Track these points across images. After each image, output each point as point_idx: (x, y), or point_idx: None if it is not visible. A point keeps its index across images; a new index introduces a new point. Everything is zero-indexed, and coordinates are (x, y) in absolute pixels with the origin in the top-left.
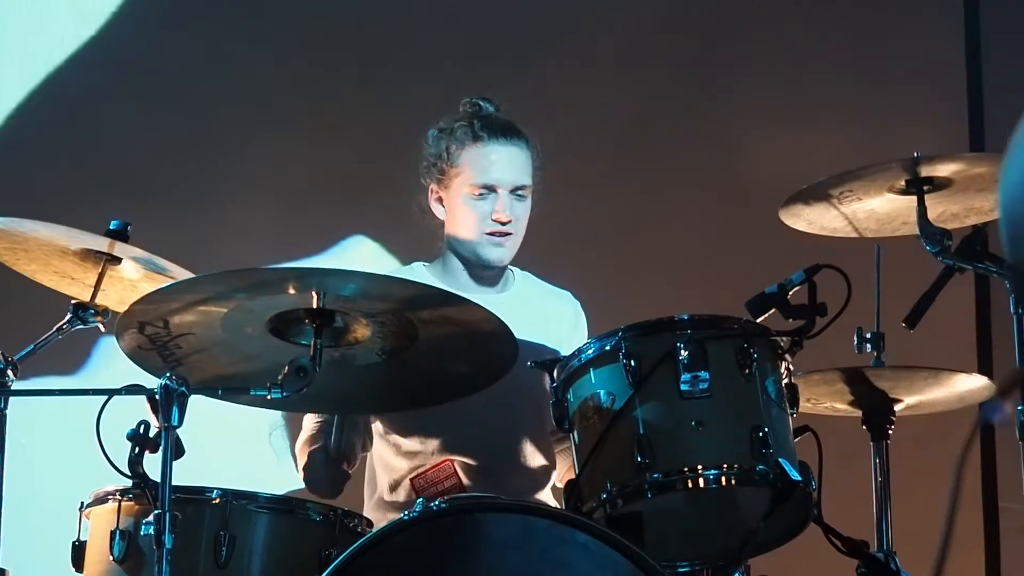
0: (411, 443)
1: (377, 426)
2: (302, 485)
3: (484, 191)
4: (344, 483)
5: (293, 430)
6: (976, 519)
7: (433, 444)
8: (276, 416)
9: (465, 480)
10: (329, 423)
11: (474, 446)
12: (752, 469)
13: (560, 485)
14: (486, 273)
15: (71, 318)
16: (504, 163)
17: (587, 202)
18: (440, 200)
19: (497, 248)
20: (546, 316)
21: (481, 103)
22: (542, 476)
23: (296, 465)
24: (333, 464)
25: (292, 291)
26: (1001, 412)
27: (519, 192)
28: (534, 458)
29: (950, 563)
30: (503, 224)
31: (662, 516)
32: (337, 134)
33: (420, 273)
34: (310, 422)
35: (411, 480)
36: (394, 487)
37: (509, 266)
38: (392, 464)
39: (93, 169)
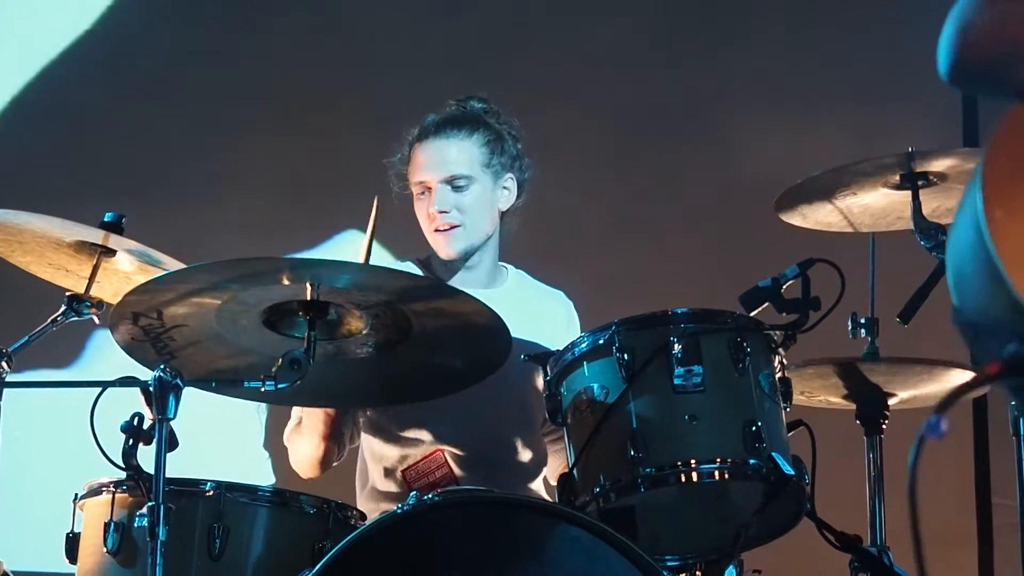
0: (401, 431)
1: (367, 415)
2: (296, 478)
3: (422, 189)
4: (329, 466)
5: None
6: (969, 516)
7: (424, 433)
8: None
9: (456, 471)
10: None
11: (465, 437)
12: (745, 463)
13: (553, 482)
14: (470, 269)
15: (66, 310)
16: (434, 158)
17: (582, 198)
18: None
19: (446, 242)
20: (539, 314)
21: (459, 103)
22: (533, 468)
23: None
24: (325, 461)
25: (286, 282)
26: (941, 427)
27: (455, 183)
28: (525, 450)
29: (944, 560)
30: (436, 217)
31: (655, 510)
32: (331, 129)
33: (412, 269)
34: (299, 408)
35: (402, 471)
36: (386, 476)
37: (503, 263)
38: (383, 453)
39: (88, 162)
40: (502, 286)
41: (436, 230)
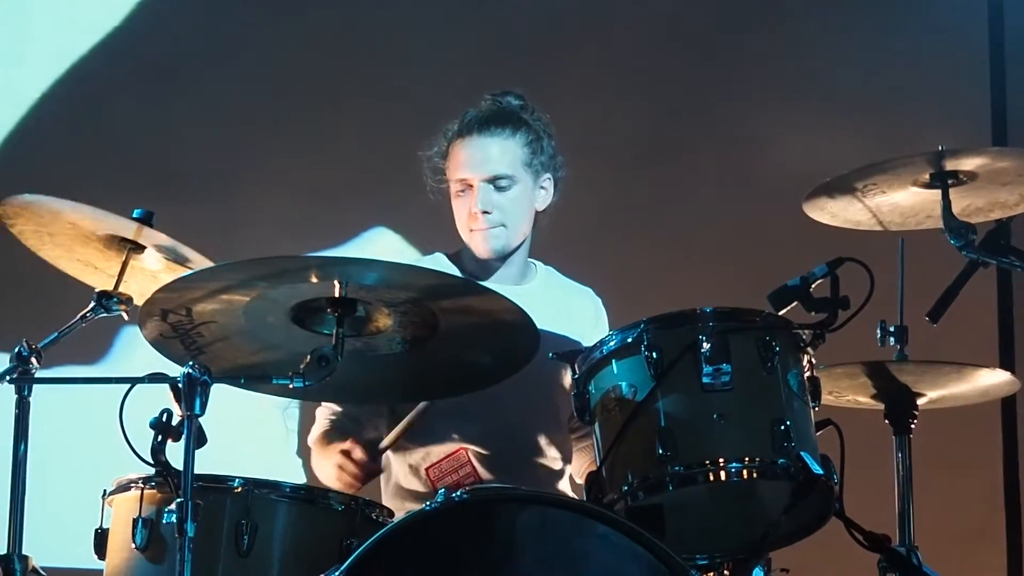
0: (426, 429)
1: (395, 414)
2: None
3: (463, 187)
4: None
5: (307, 408)
6: (999, 517)
7: (448, 431)
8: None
9: (480, 470)
10: (345, 419)
11: (490, 435)
12: (773, 462)
13: (580, 480)
14: (502, 265)
15: (95, 306)
16: (476, 156)
17: (610, 195)
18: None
19: (484, 241)
20: (568, 311)
21: (495, 99)
22: (557, 467)
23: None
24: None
25: (314, 280)
26: None
27: (498, 182)
28: (550, 449)
29: (972, 560)
30: (478, 217)
31: (683, 508)
32: (360, 126)
33: (442, 262)
34: (323, 416)
35: (426, 470)
36: (410, 474)
37: (532, 260)
38: (407, 450)
39: (116, 159)
40: (531, 282)
41: (476, 229)
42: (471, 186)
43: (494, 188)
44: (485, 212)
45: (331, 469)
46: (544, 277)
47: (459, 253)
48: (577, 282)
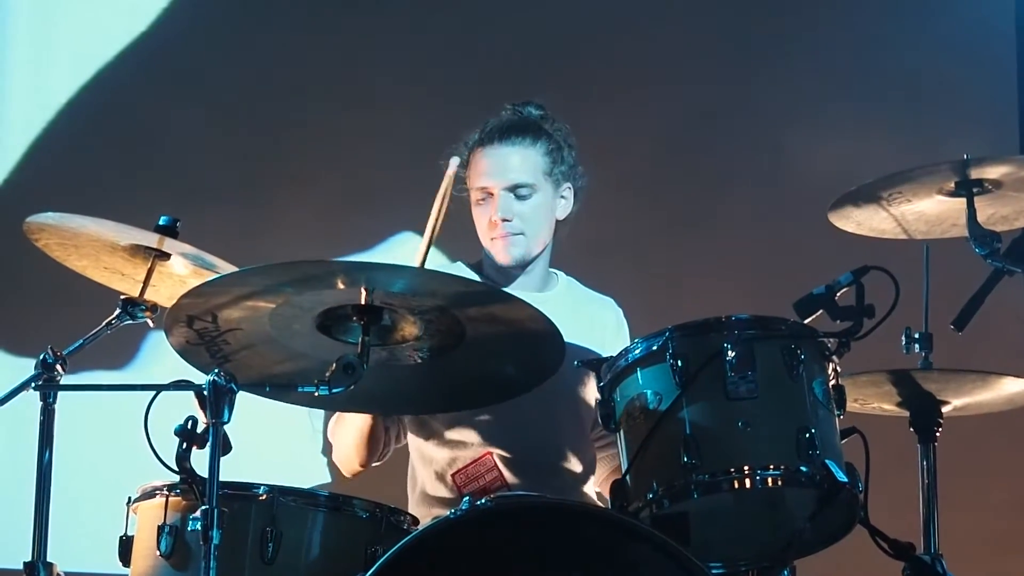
0: (450, 434)
1: (415, 417)
2: (351, 482)
3: (483, 195)
4: (371, 462)
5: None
6: None
7: (473, 435)
8: None
9: (507, 474)
10: None
11: (514, 440)
12: (798, 470)
13: (598, 488)
14: (522, 274)
15: (120, 313)
16: (496, 165)
17: (633, 204)
18: None
19: (505, 249)
20: (590, 320)
21: (515, 108)
22: (582, 474)
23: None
24: (366, 453)
25: (341, 285)
26: None
27: (519, 191)
28: (575, 455)
29: (1000, 568)
30: (498, 225)
31: (708, 516)
32: (388, 131)
33: (463, 272)
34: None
35: (452, 475)
36: (436, 480)
37: (553, 270)
38: (431, 455)
39: (142, 165)
40: (553, 291)
41: (496, 237)
42: (492, 194)
43: (515, 197)
44: (505, 220)
45: (349, 430)
46: (565, 286)
47: (480, 262)
48: (599, 291)
